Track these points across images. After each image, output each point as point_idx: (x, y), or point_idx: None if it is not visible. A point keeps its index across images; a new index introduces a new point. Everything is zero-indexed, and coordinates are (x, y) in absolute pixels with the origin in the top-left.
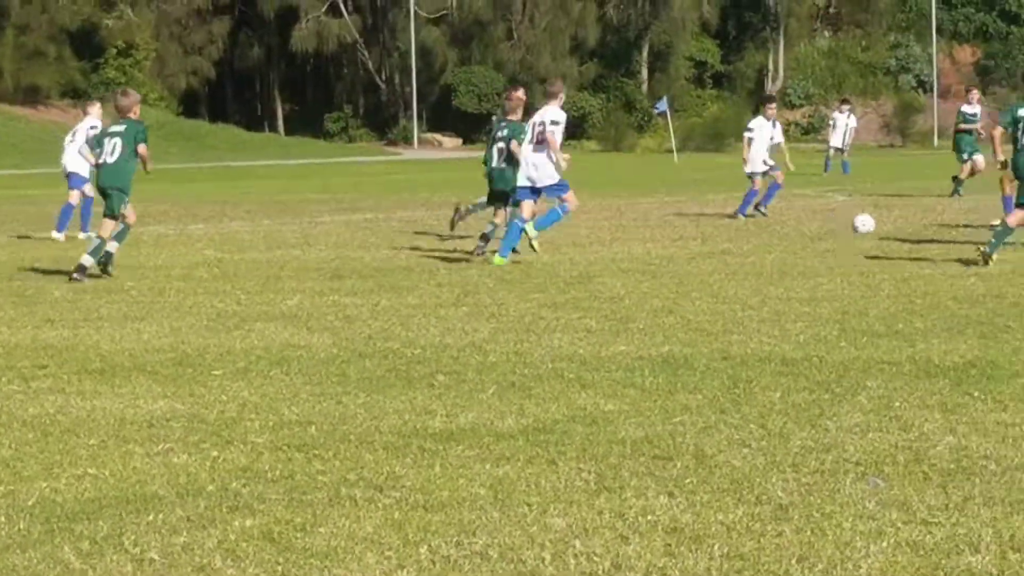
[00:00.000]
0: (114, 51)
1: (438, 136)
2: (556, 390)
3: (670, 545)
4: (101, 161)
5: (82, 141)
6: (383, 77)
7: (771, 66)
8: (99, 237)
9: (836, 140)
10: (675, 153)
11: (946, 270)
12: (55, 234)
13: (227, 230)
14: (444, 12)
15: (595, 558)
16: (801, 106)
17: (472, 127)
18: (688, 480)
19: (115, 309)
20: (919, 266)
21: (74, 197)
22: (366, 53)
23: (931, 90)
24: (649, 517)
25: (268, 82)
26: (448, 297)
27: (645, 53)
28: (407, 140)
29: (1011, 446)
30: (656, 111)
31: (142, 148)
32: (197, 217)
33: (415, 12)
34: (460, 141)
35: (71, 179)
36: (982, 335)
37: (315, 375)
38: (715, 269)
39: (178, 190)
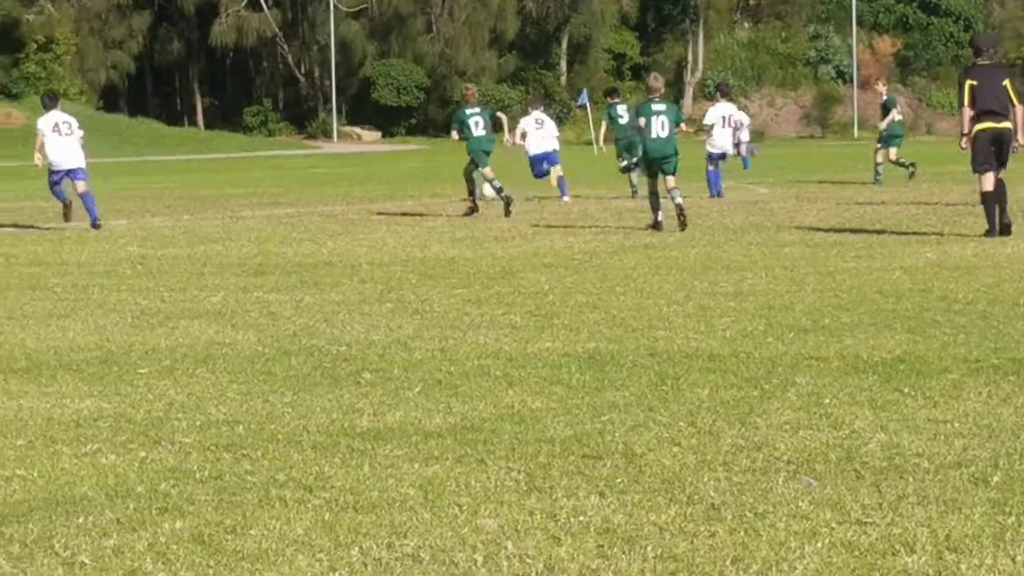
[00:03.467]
0: (34, 46)
1: (357, 129)
2: (483, 388)
3: (603, 546)
4: (654, 136)
5: None
6: (302, 71)
7: (690, 57)
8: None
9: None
10: (595, 145)
11: (871, 263)
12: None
13: (149, 226)
14: (364, 6)
15: (528, 560)
16: None
17: (391, 120)
18: (619, 480)
19: (39, 306)
20: (843, 259)
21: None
22: (286, 47)
23: (851, 81)
24: (581, 518)
25: (188, 76)
26: (371, 293)
27: (564, 45)
28: (326, 134)
29: (943, 444)
30: (576, 104)
31: (683, 126)
32: (119, 213)
33: (335, 6)
34: (379, 134)
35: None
36: (910, 330)
37: (241, 373)
38: (638, 263)
39: (98, 185)
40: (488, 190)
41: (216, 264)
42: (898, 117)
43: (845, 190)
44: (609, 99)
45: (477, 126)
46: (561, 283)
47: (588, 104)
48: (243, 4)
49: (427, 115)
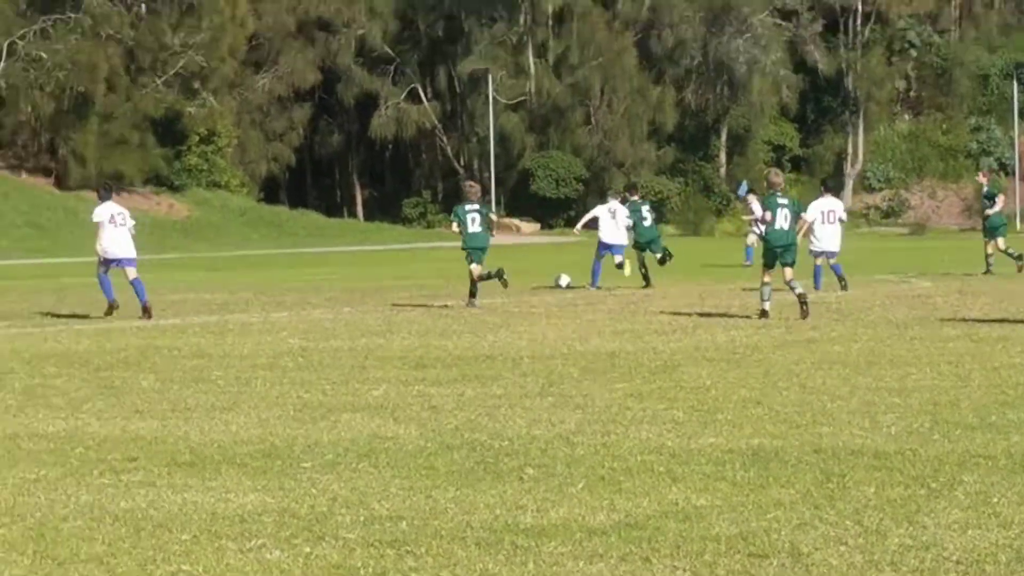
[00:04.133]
0: (196, 138)
1: (516, 221)
2: (646, 484)
3: None
4: (778, 227)
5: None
6: (462, 162)
7: (850, 149)
8: None
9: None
10: (753, 235)
11: None
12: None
13: (310, 318)
14: (523, 98)
15: None
16: (880, 190)
17: (550, 212)
18: None
19: (203, 399)
20: (1009, 355)
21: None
22: (445, 139)
23: (1013, 173)
24: None
25: (347, 168)
26: (533, 387)
27: (723, 137)
28: None
29: None
30: (737, 195)
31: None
32: (280, 305)
33: (494, 99)
34: (538, 226)
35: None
36: None
37: (404, 468)
38: (801, 358)
39: (260, 277)
40: (563, 279)
41: (377, 357)
42: (998, 208)
43: (1009, 283)
44: (630, 195)
45: (474, 222)
46: (723, 378)
47: (748, 195)
48: (403, 97)
49: (586, 207)
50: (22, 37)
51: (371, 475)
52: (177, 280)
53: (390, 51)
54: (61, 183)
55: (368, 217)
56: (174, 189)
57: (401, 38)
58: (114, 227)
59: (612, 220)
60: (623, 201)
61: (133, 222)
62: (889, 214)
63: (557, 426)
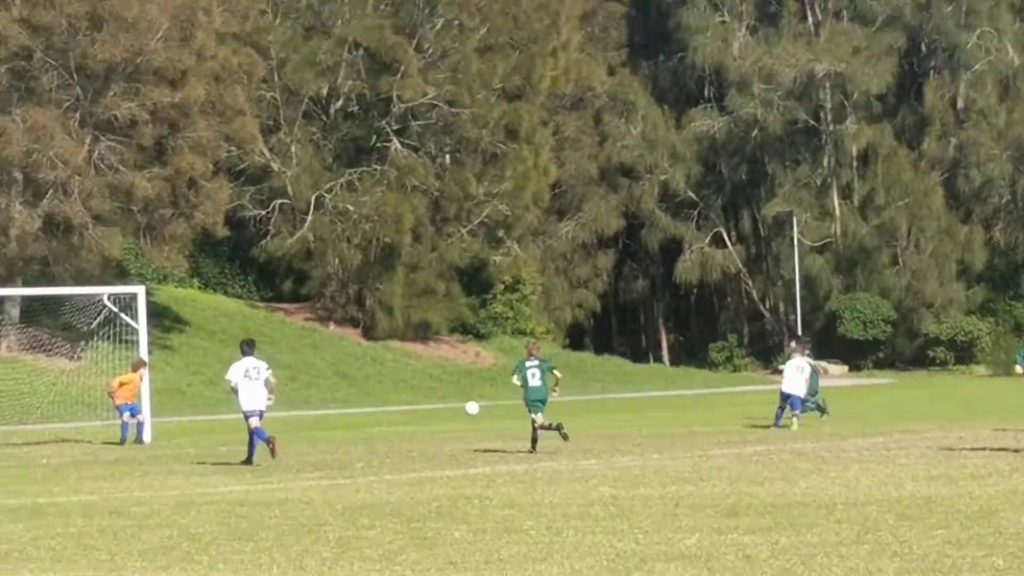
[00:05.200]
0: (502, 287)
1: (823, 364)
2: None
3: None
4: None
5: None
6: (767, 305)
7: None
8: None
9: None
10: None
11: None
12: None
13: (619, 465)
14: (828, 240)
15: None
16: None
17: (858, 354)
18: None
19: (515, 550)
20: None
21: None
22: (750, 282)
23: None
24: None
25: (652, 313)
26: (848, 534)
27: None
28: None
29: None
30: None
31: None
32: (589, 452)
33: (799, 241)
34: (846, 368)
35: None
36: None
37: None
38: None
39: (567, 424)
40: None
41: (689, 504)
42: None
43: None
44: (807, 349)
45: (534, 377)
46: None
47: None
48: (707, 240)
49: (895, 348)
50: (329, 190)
51: None
52: (485, 429)
53: (693, 195)
54: (368, 333)
55: (674, 362)
56: (480, 337)
57: (704, 182)
58: (249, 381)
59: (800, 374)
60: (801, 352)
61: (269, 371)
62: None
63: (875, 575)
